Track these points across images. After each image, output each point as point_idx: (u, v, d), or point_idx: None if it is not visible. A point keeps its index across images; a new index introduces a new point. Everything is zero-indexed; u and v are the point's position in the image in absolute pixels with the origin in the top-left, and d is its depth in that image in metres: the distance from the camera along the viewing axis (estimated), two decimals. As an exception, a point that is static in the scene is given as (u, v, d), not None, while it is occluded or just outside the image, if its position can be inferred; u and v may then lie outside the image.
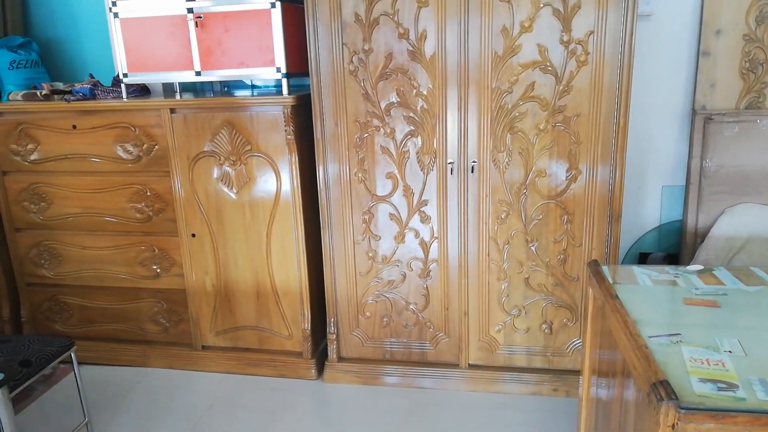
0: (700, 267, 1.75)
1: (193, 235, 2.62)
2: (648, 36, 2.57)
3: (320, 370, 2.68)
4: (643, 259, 2.82)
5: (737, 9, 2.42)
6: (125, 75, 2.54)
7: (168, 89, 2.91)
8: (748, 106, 2.49)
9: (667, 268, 1.78)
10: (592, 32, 2.09)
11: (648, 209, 2.81)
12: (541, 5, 2.09)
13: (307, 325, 2.61)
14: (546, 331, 2.44)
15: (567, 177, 2.26)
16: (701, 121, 2.52)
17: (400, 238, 2.45)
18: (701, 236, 2.57)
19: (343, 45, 2.26)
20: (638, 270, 1.77)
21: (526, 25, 2.12)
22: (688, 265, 1.83)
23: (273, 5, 2.30)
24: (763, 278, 1.66)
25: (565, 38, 2.11)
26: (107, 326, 2.86)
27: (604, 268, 1.76)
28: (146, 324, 2.82)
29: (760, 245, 2.42)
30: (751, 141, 2.48)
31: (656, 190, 2.77)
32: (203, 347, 2.77)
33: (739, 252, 2.44)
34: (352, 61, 2.28)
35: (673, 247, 2.79)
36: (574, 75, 2.15)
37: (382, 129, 2.33)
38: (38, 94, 2.72)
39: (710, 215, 2.56)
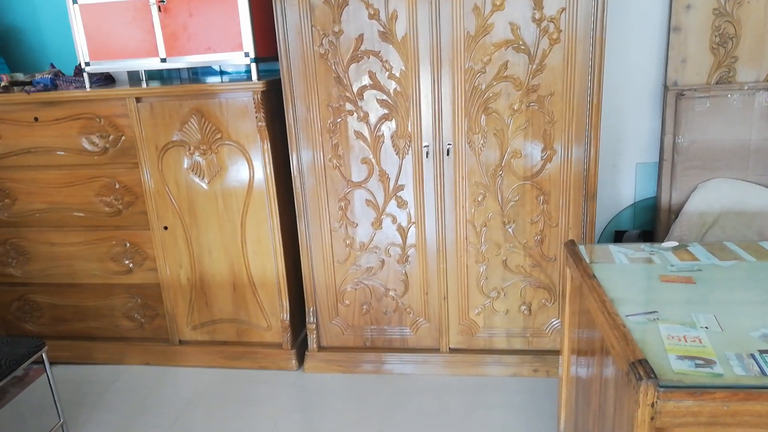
0: (675, 243, 1.76)
1: (165, 228, 2.55)
2: (618, 12, 2.56)
3: (301, 361, 2.66)
4: (619, 236, 2.84)
5: (707, -17, 2.41)
6: (87, 64, 2.45)
7: (133, 77, 2.82)
8: (719, 81, 2.50)
9: (642, 245, 1.79)
10: (563, 9, 2.07)
11: (622, 187, 2.82)
12: (513, -17, 2.06)
13: (286, 316, 2.58)
14: (525, 312, 2.45)
15: (542, 157, 2.25)
16: (673, 97, 2.52)
17: (377, 224, 2.42)
18: (675, 212, 2.59)
19: (312, 27, 2.21)
20: (614, 248, 1.77)
21: (498, 3, 2.08)
22: (663, 241, 1.84)
23: (238, -12, 2.22)
24: (737, 253, 1.67)
25: (537, 16, 2.09)
26: (80, 324, 2.79)
27: (581, 248, 1.75)
28: (120, 320, 2.76)
29: (733, 219, 2.45)
30: (722, 116, 2.49)
31: (630, 167, 2.78)
32: (180, 342, 2.73)
33: (712, 227, 2.46)
34: (322, 43, 2.22)
35: (648, 223, 2.81)
36: (547, 53, 2.13)
37: (355, 113, 2.29)
38: (-4, 86, 2.62)
39: (684, 191, 2.58)
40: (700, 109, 2.49)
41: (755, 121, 2.46)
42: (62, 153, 2.53)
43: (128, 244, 2.62)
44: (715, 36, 2.45)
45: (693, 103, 2.49)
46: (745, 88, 2.45)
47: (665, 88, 2.56)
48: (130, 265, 2.65)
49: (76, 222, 2.62)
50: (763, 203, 2.42)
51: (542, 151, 2.24)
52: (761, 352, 1.15)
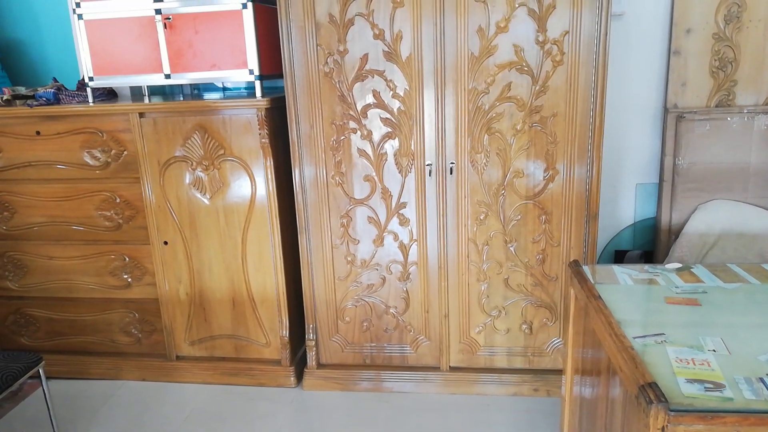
0: (679, 265, 1.77)
1: (166, 243, 2.54)
2: (620, 35, 2.60)
3: (299, 378, 2.63)
4: (619, 256, 2.85)
5: (706, 8, 2.46)
6: (91, 78, 2.45)
7: (136, 93, 2.82)
8: (719, 104, 2.53)
9: (646, 266, 1.79)
10: (567, 32, 2.10)
11: (622, 207, 2.84)
12: (517, 5, 2.09)
13: (286, 332, 2.56)
14: (526, 331, 2.44)
15: (544, 177, 2.26)
16: (673, 120, 2.55)
17: (379, 241, 2.42)
18: (675, 233, 2.61)
19: (317, 46, 2.22)
20: (618, 269, 1.77)
21: (502, 26, 2.11)
22: (662, 262, 1.85)
23: (245, 6, 2.24)
24: (741, 275, 1.68)
25: (541, 38, 2.11)
26: (76, 339, 2.76)
27: (585, 268, 1.76)
28: (117, 335, 2.73)
29: (733, 241, 2.47)
30: (721, 138, 2.52)
31: (630, 187, 2.80)
32: (178, 357, 2.70)
33: (712, 248, 2.48)
34: (327, 62, 2.24)
35: (648, 244, 2.83)
36: (550, 75, 2.15)
37: (359, 131, 2.30)
38: (-1, 99, 2.62)
39: (683, 212, 2.60)
40: (699, 131, 2.52)
41: (754, 144, 2.49)
42: (63, 167, 2.52)
43: (127, 259, 2.61)
44: (715, 60, 2.49)
45: (693, 125, 2.52)
46: (745, 111, 2.49)
47: (665, 110, 2.59)
48: (129, 279, 2.64)
49: (76, 236, 2.61)
50: (763, 225, 2.44)
51: (544, 171, 2.25)
52: (770, 376, 1.15)
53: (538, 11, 2.08)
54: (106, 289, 2.66)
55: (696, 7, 2.47)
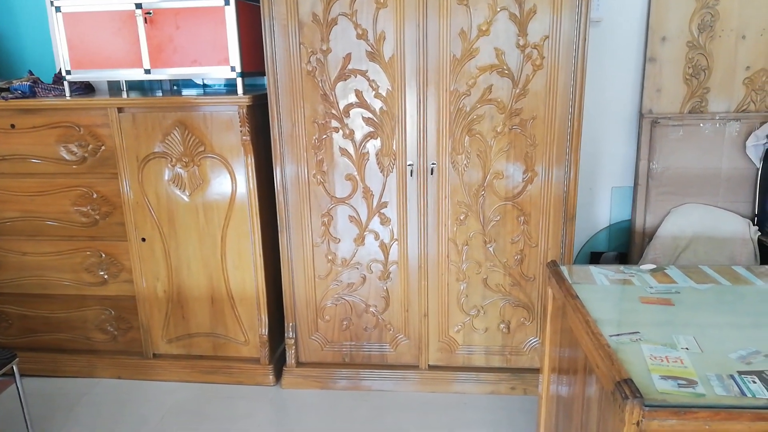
0: (654, 266, 1.81)
1: (143, 240, 2.51)
2: (598, 42, 2.65)
3: (278, 376, 2.63)
4: (594, 258, 2.91)
5: (681, 17, 2.53)
6: (68, 72, 2.41)
7: (114, 87, 2.79)
8: (692, 111, 2.60)
9: (622, 267, 1.84)
10: (547, 37, 2.14)
11: (599, 209, 2.89)
12: (498, 9, 2.12)
13: (265, 330, 2.56)
14: (504, 330, 2.48)
15: (523, 179, 2.30)
16: (648, 125, 2.62)
17: (359, 240, 2.43)
18: (649, 235, 2.67)
19: (300, 45, 2.23)
20: (595, 270, 1.82)
21: (484, 29, 2.14)
22: (637, 263, 1.89)
23: (227, 2, 2.23)
24: (713, 276, 1.73)
25: (522, 42, 2.15)
26: (51, 336, 2.71)
27: (563, 269, 1.79)
28: (93, 333, 2.69)
29: (705, 244, 2.54)
30: (694, 144, 2.59)
31: (606, 190, 2.86)
32: (154, 355, 2.67)
33: (684, 250, 2.55)
34: (309, 61, 2.24)
35: (623, 246, 2.89)
36: (530, 79, 2.18)
37: (341, 130, 2.31)
38: (-28, 90, 2.55)
39: (657, 215, 2.67)
40: (673, 136, 2.59)
41: (726, 150, 2.57)
42: (38, 161, 2.48)
43: (104, 255, 2.57)
44: (689, 68, 2.56)
45: (667, 130, 2.59)
46: (717, 118, 2.56)
47: (641, 115, 2.65)
48: (105, 276, 2.60)
49: (50, 231, 2.56)
50: (734, 229, 2.52)
51: (524, 173, 2.29)
52: (740, 373, 1.19)
53: (519, 15, 2.12)
54: (81, 286, 2.62)
55: (671, 16, 2.53)
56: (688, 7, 2.51)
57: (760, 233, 2.53)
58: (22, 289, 2.66)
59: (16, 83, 2.52)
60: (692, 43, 2.54)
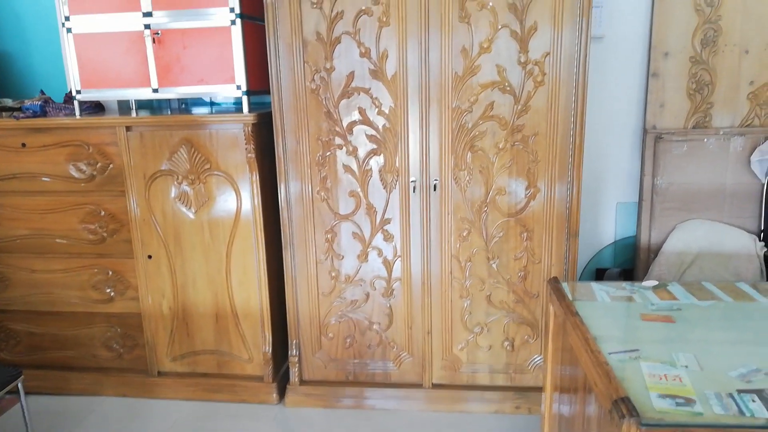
0: (655, 282, 1.80)
1: (150, 257, 2.54)
2: (600, 57, 2.66)
3: (282, 394, 2.62)
4: (600, 274, 2.89)
5: (684, 32, 2.53)
6: (78, 92, 2.46)
7: (123, 106, 2.84)
8: (696, 126, 2.59)
9: (623, 284, 1.82)
10: (548, 54, 2.15)
11: (603, 225, 2.88)
12: (499, 27, 2.14)
13: (268, 348, 2.56)
14: (508, 348, 2.46)
15: (526, 195, 2.30)
16: (652, 140, 2.61)
17: (363, 257, 2.44)
18: (654, 251, 2.65)
19: (304, 63, 2.26)
20: (596, 286, 1.80)
21: (485, 46, 2.16)
22: (643, 279, 1.88)
23: (233, 22, 2.28)
24: (714, 293, 1.71)
25: (523, 59, 2.16)
26: (57, 353, 2.73)
27: (564, 285, 1.78)
28: (99, 350, 2.71)
29: (710, 259, 2.51)
30: (698, 159, 2.58)
31: (611, 206, 2.85)
32: (159, 373, 2.68)
33: (690, 266, 2.52)
34: (314, 79, 2.27)
35: (628, 262, 2.87)
36: (532, 95, 2.19)
37: (344, 147, 2.33)
38: (-16, 111, 2.61)
39: (662, 231, 2.65)
40: (677, 152, 2.58)
41: (730, 165, 2.55)
42: (48, 179, 2.52)
43: (111, 273, 2.60)
44: (692, 83, 2.56)
45: (671, 146, 2.58)
46: (721, 133, 2.55)
47: (644, 131, 2.65)
48: (112, 293, 2.62)
49: (59, 249, 2.60)
50: (739, 245, 2.50)
51: (526, 189, 2.29)
52: (740, 391, 1.17)
53: (520, 33, 2.14)
54: (88, 303, 2.65)
55: (673, 31, 2.54)
56: (690, 22, 2.52)
57: (766, 249, 2.50)
58: (30, 307, 2.69)
59: (27, 103, 2.57)
60: (695, 59, 2.54)
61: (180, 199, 2.46)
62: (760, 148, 2.50)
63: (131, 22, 2.34)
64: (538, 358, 2.45)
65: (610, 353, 1.35)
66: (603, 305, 1.67)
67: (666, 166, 2.60)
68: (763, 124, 2.56)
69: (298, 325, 2.53)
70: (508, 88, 2.19)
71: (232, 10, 2.26)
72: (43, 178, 2.52)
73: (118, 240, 2.55)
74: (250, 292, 2.52)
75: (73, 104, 2.53)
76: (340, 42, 2.22)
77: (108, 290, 2.62)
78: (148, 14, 2.32)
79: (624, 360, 1.32)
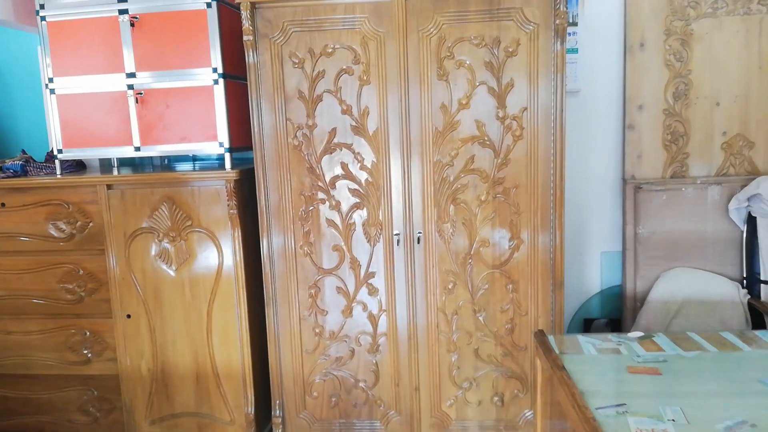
0: (641, 334, 1.79)
1: (129, 316, 2.48)
2: (578, 110, 2.73)
3: (265, 457, 2.53)
4: (588, 324, 2.87)
5: (656, 86, 2.61)
6: (60, 151, 2.46)
7: (105, 164, 2.84)
8: (673, 175, 2.64)
9: (609, 335, 1.81)
10: (525, 108, 2.20)
11: (589, 275, 2.88)
12: (477, 84, 2.19)
13: (251, 409, 2.48)
14: (498, 403, 2.40)
15: (510, 246, 2.30)
16: (632, 190, 2.65)
17: (347, 312, 2.40)
18: (640, 300, 2.64)
19: (287, 120, 2.29)
20: (583, 339, 1.78)
21: (464, 102, 2.21)
22: (630, 329, 1.87)
23: (216, 82, 2.31)
24: (700, 343, 1.70)
25: (501, 114, 2.21)
26: (31, 418, 2.62)
27: (550, 338, 1.76)
28: (74, 414, 2.60)
29: (696, 308, 2.51)
30: (678, 208, 2.61)
31: (595, 256, 2.86)
32: (137, 438, 2.58)
33: (676, 316, 2.51)
34: (296, 135, 2.29)
35: (616, 311, 2.85)
36: (511, 148, 2.23)
37: (327, 201, 2.33)
38: (-35, 171, 2.60)
39: (647, 279, 2.65)
40: (657, 201, 2.61)
41: (709, 214, 2.59)
42: (26, 239, 2.48)
43: (88, 333, 2.53)
44: (667, 134, 2.62)
45: (650, 195, 2.62)
46: (698, 182, 2.60)
47: (624, 181, 2.69)
48: (89, 354, 2.55)
49: (35, 310, 2.53)
50: (723, 292, 2.50)
51: (509, 241, 2.29)
52: (729, 446, 1.15)
53: (497, 89, 2.19)
54: (64, 365, 2.56)
55: (646, 85, 2.62)
56: (662, 76, 2.60)
57: (749, 296, 2.51)
58: (4, 370, 2.60)
59: (8, 162, 2.56)
60: (668, 111, 2.61)
61: (160, 257, 2.43)
62: (737, 197, 2.55)
63: (115, 82, 2.37)
64: (529, 413, 2.40)
65: (597, 408, 1.32)
66: (590, 358, 1.65)
67: (647, 215, 2.63)
68: (738, 173, 2.62)
69: (281, 384, 2.46)
70: (487, 142, 2.23)
71: (215, 70, 2.30)
72: (22, 238, 2.49)
73: (97, 299, 2.50)
74: (232, 350, 2.46)
75: (54, 163, 2.53)
76: (321, 100, 2.26)
77: (85, 351, 2.54)
78: (131, 75, 2.35)
79: (611, 415, 1.29)
